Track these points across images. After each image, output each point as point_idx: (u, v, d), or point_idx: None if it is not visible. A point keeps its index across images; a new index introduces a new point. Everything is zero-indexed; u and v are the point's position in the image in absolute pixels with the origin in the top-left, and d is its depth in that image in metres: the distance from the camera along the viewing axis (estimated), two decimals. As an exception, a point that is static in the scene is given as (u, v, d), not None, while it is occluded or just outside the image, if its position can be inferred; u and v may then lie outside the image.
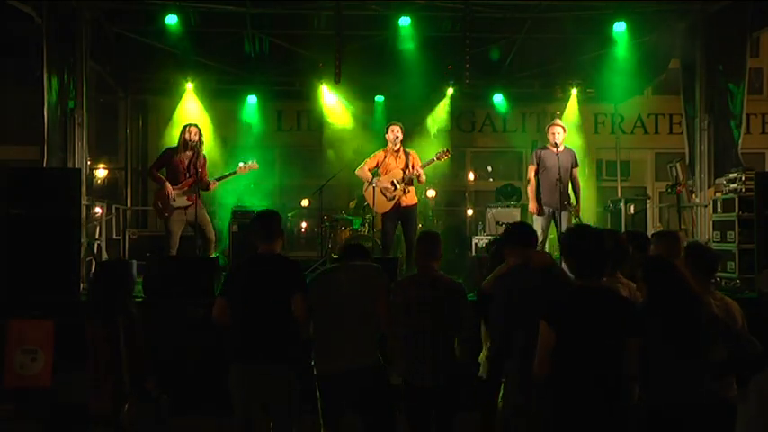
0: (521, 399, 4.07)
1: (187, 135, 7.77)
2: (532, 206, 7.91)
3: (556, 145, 7.84)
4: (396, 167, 8.07)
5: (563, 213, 7.79)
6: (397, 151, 8.10)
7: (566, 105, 12.04)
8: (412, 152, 8.20)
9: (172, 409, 5.44)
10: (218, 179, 7.99)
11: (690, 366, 3.54)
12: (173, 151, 7.84)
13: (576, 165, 8.01)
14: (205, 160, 7.88)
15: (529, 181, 8.02)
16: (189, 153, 7.75)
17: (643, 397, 3.53)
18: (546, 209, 7.81)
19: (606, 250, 3.59)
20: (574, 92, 11.86)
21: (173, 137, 8.78)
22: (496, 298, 4.40)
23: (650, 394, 3.54)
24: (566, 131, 7.97)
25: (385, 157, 8.14)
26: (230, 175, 8.07)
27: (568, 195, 7.87)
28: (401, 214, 8.05)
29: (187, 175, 7.71)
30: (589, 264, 3.53)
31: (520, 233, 4.57)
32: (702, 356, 3.58)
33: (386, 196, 8.04)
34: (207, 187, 7.77)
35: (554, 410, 3.51)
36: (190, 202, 7.62)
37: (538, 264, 4.32)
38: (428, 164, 8.16)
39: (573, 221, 7.89)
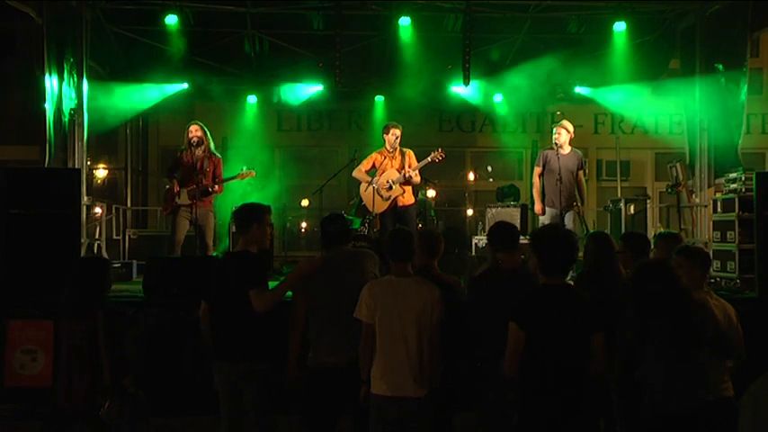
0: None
1: (188, 133, 7.80)
2: (538, 207, 7.94)
3: (556, 145, 7.85)
4: (392, 168, 8.07)
5: (566, 214, 7.80)
6: (393, 152, 8.09)
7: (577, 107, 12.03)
8: (408, 151, 8.17)
9: (172, 410, 5.48)
10: (222, 181, 8.01)
11: (685, 370, 3.53)
12: (182, 152, 7.88)
13: (580, 167, 8.01)
14: (218, 161, 7.87)
15: (533, 182, 8.04)
16: (196, 152, 7.77)
17: (648, 402, 3.53)
18: (549, 210, 7.82)
19: (572, 252, 3.63)
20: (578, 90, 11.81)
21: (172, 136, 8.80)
22: (471, 304, 4.33)
23: (651, 400, 3.53)
24: (569, 133, 7.96)
25: (381, 158, 8.14)
26: (231, 179, 8.08)
27: (575, 197, 7.88)
28: (398, 214, 8.05)
29: (194, 174, 7.72)
30: (553, 263, 3.57)
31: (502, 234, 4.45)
32: (697, 360, 3.57)
33: (381, 196, 8.04)
34: (207, 191, 7.73)
35: (524, 410, 3.52)
36: (191, 202, 7.63)
37: (507, 266, 4.24)
38: (423, 165, 8.14)
39: (577, 222, 7.93)
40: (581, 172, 7.99)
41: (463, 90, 11.02)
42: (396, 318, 3.98)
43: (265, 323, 4.26)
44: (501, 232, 4.41)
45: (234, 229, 8.78)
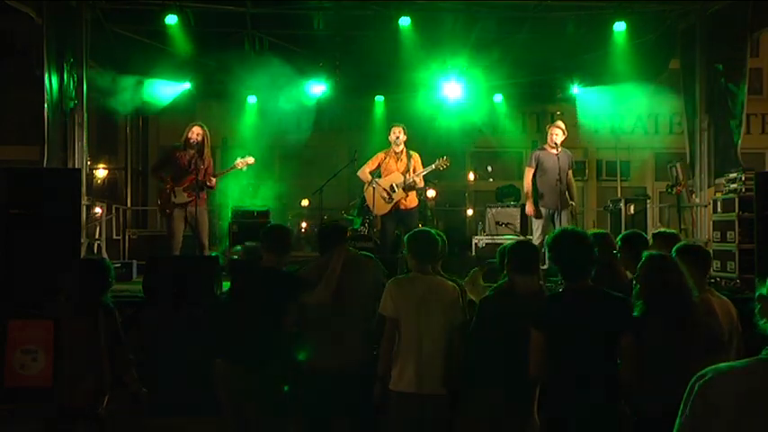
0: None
1: (190, 134, 7.76)
2: (529, 208, 7.92)
3: (555, 145, 7.85)
4: (396, 170, 8.06)
5: (563, 213, 7.80)
6: (399, 153, 8.08)
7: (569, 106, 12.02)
8: (414, 154, 8.17)
9: (172, 410, 5.47)
10: (216, 175, 8.00)
11: (682, 370, 3.51)
12: (175, 149, 7.83)
13: (571, 166, 8.03)
14: (210, 161, 7.87)
15: (526, 183, 8.02)
16: (191, 152, 7.74)
17: (634, 402, 3.51)
18: (545, 210, 7.82)
19: (592, 252, 3.53)
20: (576, 90, 11.78)
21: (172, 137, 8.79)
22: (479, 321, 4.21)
23: (643, 399, 3.51)
24: (565, 133, 7.98)
25: (386, 158, 8.13)
26: (228, 170, 8.08)
27: (567, 196, 7.89)
28: (400, 216, 8.05)
29: (187, 173, 7.70)
30: (574, 267, 3.49)
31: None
32: (696, 360, 3.56)
33: (384, 198, 8.04)
34: (206, 186, 7.75)
35: (548, 415, 3.47)
36: (189, 199, 7.62)
37: (523, 291, 4.00)
38: (428, 172, 8.13)
39: (571, 222, 7.92)
40: (570, 171, 8.03)
41: (463, 90, 11.03)
42: (422, 314, 4.01)
43: (275, 332, 4.32)
44: (520, 253, 4.10)
45: (234, 228, 8.88)
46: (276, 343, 4.29)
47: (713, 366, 1.93)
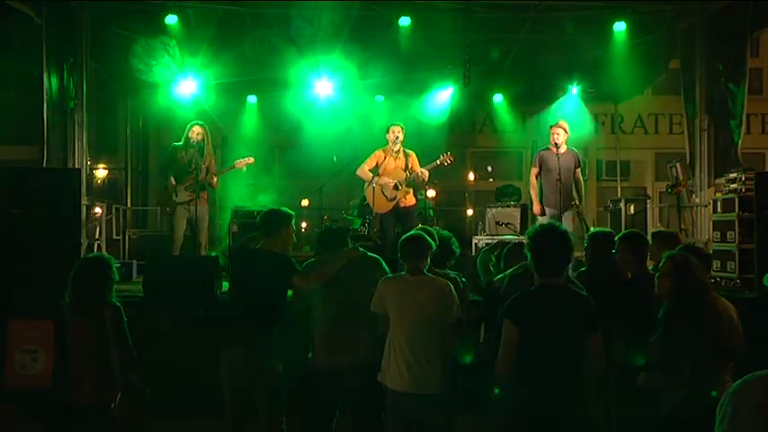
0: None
1: (190, 134, 7.82)
2: (536, 208, 7.95)
3: (557, 146, 7.86)
4: (396, 168, 8.08)
5: (565, 213, 7.82)
6: (397, 152, 8.10)
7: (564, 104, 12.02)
8: (411, 152, 8.20)
9: (172, 411, 5.47)
10: (216, 174, 8.03)
11: (706, 369, 3.52)
12: (176, 148, 7.89)
13: (578, 165, 8.04)
14: (212, 158, 7.92)
15: (531, 183, 8.05)
16: (191, 151, 7.79)
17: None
18: (549, 210, 7.84)
19: (568, 250, 3.54)
20: (574, 90, 11.77)
21: (172, 137, 8.81)
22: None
23: (669, 397, 3.51)
24: (567, 133, 7.99)
25: (385, 157, 8.14)
26: (228, 169, 8.13)
27: (572, 196, 7.90)
28: (400, 215, 8.07)
29: (189, 172, 7.75)
30: (549, 263, 3.51)
31: None
32: (719, 360, 3.56)
33: (386, 197, 8.04)
34: (208, 185, 7.80)
35: (516, 410, 3.47)
36: (191, 198, 7.66)
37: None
38: (432, 167, 8.14)
39: (577, 222, 7.94)
40: (578, 170, 8.04)
41: (463, 90, 11.02)
42: (414, 313, 4.02)
43: (278, 323, 4.35)
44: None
45: (234, 228, 8.88)
46: (268, 322, 4.34)
47: (746, 377, 1.91)
